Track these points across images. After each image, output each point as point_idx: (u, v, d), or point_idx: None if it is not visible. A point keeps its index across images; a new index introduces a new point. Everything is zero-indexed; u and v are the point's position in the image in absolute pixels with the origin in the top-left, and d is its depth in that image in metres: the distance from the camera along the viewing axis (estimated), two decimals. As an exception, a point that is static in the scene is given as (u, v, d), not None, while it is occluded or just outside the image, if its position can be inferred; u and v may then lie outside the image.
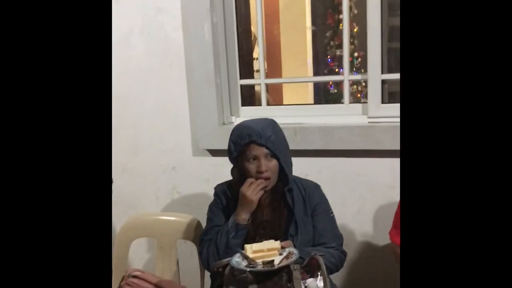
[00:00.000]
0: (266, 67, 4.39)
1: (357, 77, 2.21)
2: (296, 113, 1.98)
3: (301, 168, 1.60)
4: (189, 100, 1.99)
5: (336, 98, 4.44)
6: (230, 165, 1.45)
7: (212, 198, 1.53)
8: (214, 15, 1.88)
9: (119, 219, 2.08)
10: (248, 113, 2.00)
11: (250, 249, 1.25)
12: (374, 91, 1.80)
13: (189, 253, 1.91)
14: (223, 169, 1.58)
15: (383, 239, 1.81)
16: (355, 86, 4.39)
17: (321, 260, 1.25)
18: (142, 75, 2.03)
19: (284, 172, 1.39)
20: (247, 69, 2.30)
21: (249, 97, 2.37)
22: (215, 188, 1.52)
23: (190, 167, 2.05)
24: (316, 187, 1.48)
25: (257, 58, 2.53)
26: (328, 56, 4.55)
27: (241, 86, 2.04)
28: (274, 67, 4.48)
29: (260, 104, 2.06)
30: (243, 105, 2.06)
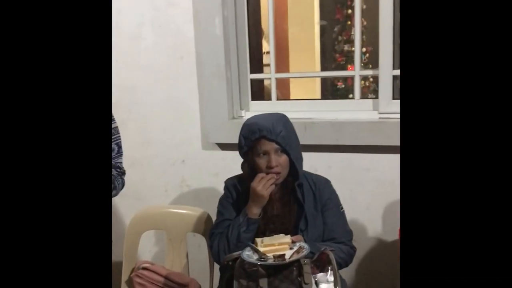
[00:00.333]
0: (274, 61, 4.39)
1: (368, 72, 2.19)
2: (306, 108, 1.98)
3: (310, 163, 1.60)
4: (199, 94, 1.99)
5: (344, 93, 4.42)
6: (240, 159, 1.45)
7: (221, 191, 1.53)
8: (225, 9, 1.88)
9: (128, 212, 2.10)
10: (258, 108, 2.00)
11: (261, 243, 1.26)
12: (385, 86, 1.80)
13: (198, 246, 1.92)
14: (232, 163, 1.59)
15: (392, 234, 1.81)
16: (362, 82, 4.37)
17: (332, 255, 1.25)
18: (153, 68, 2.04)
19: (294, 167, 1.39)
20: (256, 64, 2.29)
21: (258, 91, 2.37)
22: (226, 182, 1.52)
23: (199, 161, 2.05)
24: (327, 182, 1.49)
25: (266, 53, 2.53)
26: (336, 51, 4.53)
27: (251, 80, 2.04)
28: (282, 62, 4.47)
29: (269, 99, 2.06)
30: (252, 99, 2.06)
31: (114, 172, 1.53)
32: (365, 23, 4.28)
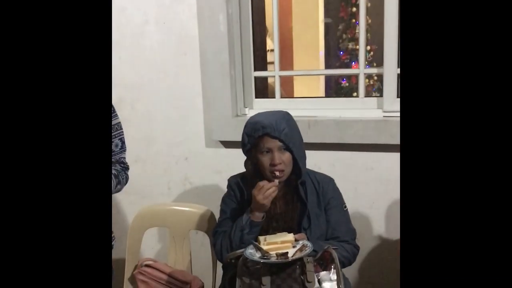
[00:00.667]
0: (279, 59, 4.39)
1: (373, 70, 2.18)
2: (310, 106, 1.97)
3: (314, 161, 1.59)
4: (203, 91, 1.99)
5: (347, 92, 4.41)
6: (243, 157, 1.45)
7: (225, 189, 1.53)
8: (229, 6, 1.88)
9: (131, 209, 2.10)
10: (262, 105, 2.00)
11: (264, 241, 1.26)
12: (390, 85, 1.79)
13: (201, 243, 1.92)
14: (235, 161, 1.59)
15: (396, 233, 1.80)
16: (367, 80, 4.36)
17: (335, 254, 1.25)
18: (157, 65, 2.03)
19: (297, 165, 1.39)
20: (260, 61, 2.29)
21: (262, 89, 2.37)
22: (229, 180, 1.52)
23: (202, 158, 2.05)
24: (330, 180, 1.48)
25: (270, 50, 2.52)
26: (340, 49, 4.52)
27: (255, 78, 2.04)
28: (286, 60, 4.46)
29: (272, 97, 2.05)
30: (256, 97, 2.05)
31: (118, 167, 1.54)
32: (369, 21, 4.26)
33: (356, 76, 1.93)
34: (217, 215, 1.56)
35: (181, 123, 2.05)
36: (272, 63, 2.04)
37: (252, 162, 1.41)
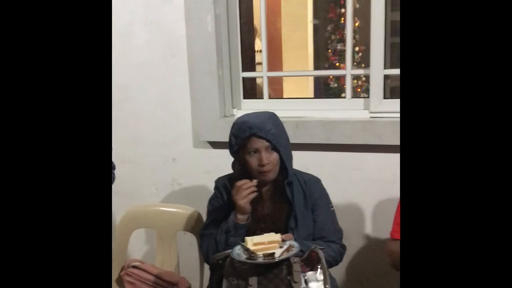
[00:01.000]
0: (267, 60, 4.39)
1: (359, 71, 2.19)
2: (298, 106, 1.98)
3: (302, 161, 1.60)
4: (190, 92, 1.98)
5: (336, 92, 4.44)
6: (231, 158, 1.45)
7: (213, 190, 1.53)
8: (217, 7, 1.87)
9: (119, 210, 2.08)
10: (250, 106, 2.00)
11: (251, 241, 1.26)
12: (377, 86, 1.80)
13: (189, 244, 1.92)
14: (224, 162, 1.58)
15: (383, 233, 1.82)
16: (355, 81, 4.38)
17: (321, 254, 1.26)
18: (144, 66, 2.02)
19: (284, 165, 1.39)
20: (249, 62, 2.29)
21: (251, 90, 2.37)
22: (216, 182, 1.52)
23: (190, 159, 2.05)
24: (317, 181, 1.49)
25: (259, 51, 2.53)
26: (329, 50, 4.53)
27: (243, 78, 2.04)
28: (275, 60, 4.47)
29: (261, 97, 2.05)
30: (244, 97, 2.06)
31: None
32: (358, 22, 4.29)
33: (345, 77, 1.95)
34: (205, 216, 1.56)
35: (169, 124, 2.05)
36: (261, 63, 2.05)
37: (239, 163, 1.41)
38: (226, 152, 1.46)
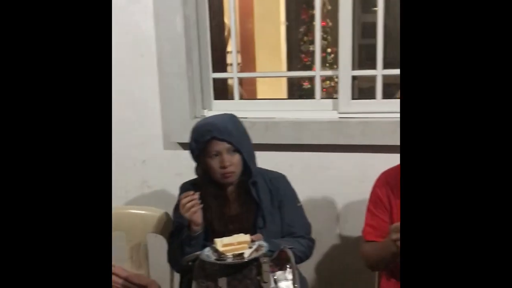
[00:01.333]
0: (240, 61, 4.40)
1: (328, 72, 2.22)
2: (269, 107, 1.99)
3: (273, 162, 1.60)
4: (160, 93, 1.96)
5: (309, 93, 4.48)
6: (201, 160, 1.44)
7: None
8: (186, 8, 1.86)
9: (88, 213, 2.04)
10: (221, 107, 2.00)
11: (221, 242, 1.26)
12: (345, 87, 1.83)
13: (160, 246, 1.89)
14: (194, 163, 1.58)
15: (353, 232, 1.85)
16: (328, 82, 4.43)
17: (290, 253, 1.27)
18: (113, 66, 1.98)
19: (248, 166, 1.40)
20: (220, 63, 2.28)
21: (222, 90, 2.36)
22: (181, 187, 1.51)
23: (161, 161, 2.03)
24: (282, 178, 1.49)
25: (230, 52, 2.52)
26: (302, 51, 4.58)
27: (214, 79, 2.03)
28: (248, 61, 4.48)
29: (233, 98, 2.05)
30: (216, 98, 2.05)
31: None
32: (330, 23, 4.34)
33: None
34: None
35: (138, 126, 2.02)
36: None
37: (202, 167, 1.41)
38: (196, 153, 1.45)
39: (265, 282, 1.23)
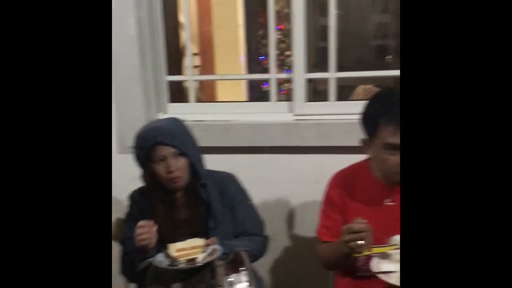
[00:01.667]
0: (200, 63, 4.36)
1: (282, 75, 2.23)
2: (226, 110, 1.99)
3: (230, 164, 1.60)
4: (114, 96, 1.92)
5: (269, 96, 4.51)
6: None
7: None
8: (139, 10, 1.84)
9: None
10: (176, 110, 1.98)
11: (174, 247, 1.24)
12: (299, 89, 1.86)
13: (115, 252, 1.85)
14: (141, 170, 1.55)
15: (309, 232, 1.86)
16: (286, 84, 4.46)
17: (245, 255, 1.26)
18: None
19: (195, 168, 1.39)
20: (176, 65, 2.26)
21: (178, 93, 2.34)
22: (130, 196, 1.49)
23: (114, 165, 1.97)
24: (231, 177, 1.49)
25: (193, 54, 2.51)
26: (261, 54, 4.59)
27: (171, 82, 2.01)
28: (207, 63, 4.45)
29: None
30: (173, 101, 2.03)
31: None
32: (288, 26, 4.38)
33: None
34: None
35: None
36: (195, 67, 2.03)
37: (149, 174, 1.39)
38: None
39: (220, 286, 1.22)
